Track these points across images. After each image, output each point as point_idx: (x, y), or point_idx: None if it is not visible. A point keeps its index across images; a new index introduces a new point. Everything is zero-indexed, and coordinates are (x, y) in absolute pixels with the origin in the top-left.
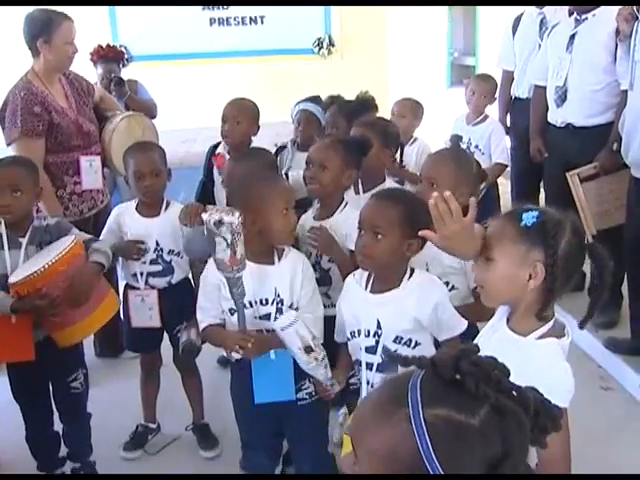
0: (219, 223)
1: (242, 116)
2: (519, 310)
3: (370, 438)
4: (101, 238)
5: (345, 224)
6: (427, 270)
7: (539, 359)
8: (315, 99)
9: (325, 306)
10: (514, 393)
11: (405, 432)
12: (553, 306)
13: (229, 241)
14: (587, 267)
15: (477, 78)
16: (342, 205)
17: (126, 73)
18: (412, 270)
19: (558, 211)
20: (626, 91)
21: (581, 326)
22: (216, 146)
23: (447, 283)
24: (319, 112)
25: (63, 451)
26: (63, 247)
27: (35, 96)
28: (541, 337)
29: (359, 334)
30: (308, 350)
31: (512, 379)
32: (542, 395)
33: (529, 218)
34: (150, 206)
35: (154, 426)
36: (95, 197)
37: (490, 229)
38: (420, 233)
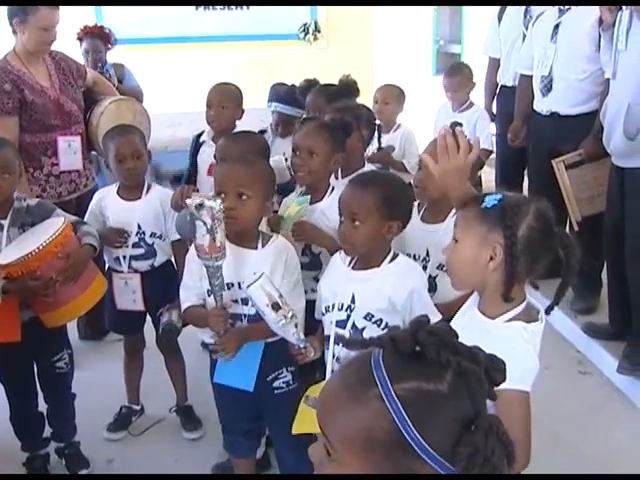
0: (200, 206)
1: (227, 101)
2: (486, 293)
3: (342, 424)
4: None
5: (335, 208)
6: (427, 256)
7: (500, 342)
8: (291, 91)
9: (314, 290)
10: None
11: (379, 411)
12: (524, 289)
13: (209, 226)
14: None
15: (447, 76)
16: (330, 189)
17: (110, 56)
18: (395, 254)
19: (530, 197)
20: (609, 80)
21: (547, 311)
22: (200, 135)
23: None
24: (297, 112)
25: (47, 432)
26: (55, 228)
27: (7, 74)
28: (509, 320)
29: (333, 308)
30: (276, 307)
31: None
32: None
33: (490, 200)
34: (131, 189)
35: (138, 407)
36: (76, 180)
37: (459, 212)
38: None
